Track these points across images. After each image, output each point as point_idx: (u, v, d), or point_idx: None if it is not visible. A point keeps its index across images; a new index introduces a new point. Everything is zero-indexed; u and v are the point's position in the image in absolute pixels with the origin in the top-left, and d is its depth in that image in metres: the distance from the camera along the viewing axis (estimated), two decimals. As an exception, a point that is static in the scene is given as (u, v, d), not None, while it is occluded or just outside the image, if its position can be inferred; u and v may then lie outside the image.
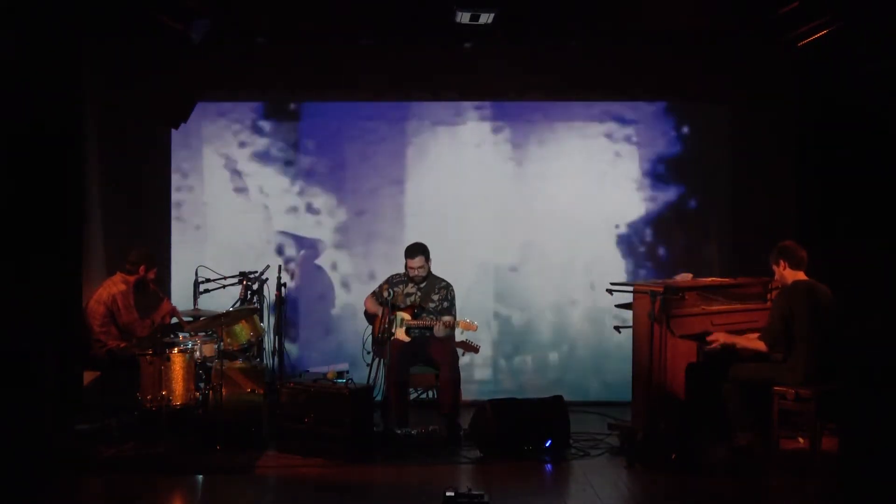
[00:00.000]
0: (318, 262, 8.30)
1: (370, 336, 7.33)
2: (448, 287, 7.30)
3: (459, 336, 7.15)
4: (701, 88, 7.89)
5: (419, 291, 7.25)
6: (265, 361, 7.53)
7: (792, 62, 7.52)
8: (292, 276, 8.24)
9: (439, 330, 7.00)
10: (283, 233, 8.29)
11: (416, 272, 7.19)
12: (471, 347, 7.18)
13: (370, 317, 7.37)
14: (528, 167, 8.24)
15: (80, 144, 7.29)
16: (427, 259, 7.22)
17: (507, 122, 8.26)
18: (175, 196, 8.19)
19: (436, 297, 7.25)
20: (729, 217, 8.15)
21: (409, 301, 7.23)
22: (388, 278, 7.35)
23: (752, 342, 6.27)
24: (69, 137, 7.10)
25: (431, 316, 7.18)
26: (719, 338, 6.36)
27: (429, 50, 7.77)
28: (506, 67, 7.76)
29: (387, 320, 6.94)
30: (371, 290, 7.47)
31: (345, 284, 8.27)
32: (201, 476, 6.04)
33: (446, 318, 7.05)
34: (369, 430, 6.50)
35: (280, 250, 8.26)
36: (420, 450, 6.48)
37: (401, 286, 7.28)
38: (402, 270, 7.37)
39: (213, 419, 6.48)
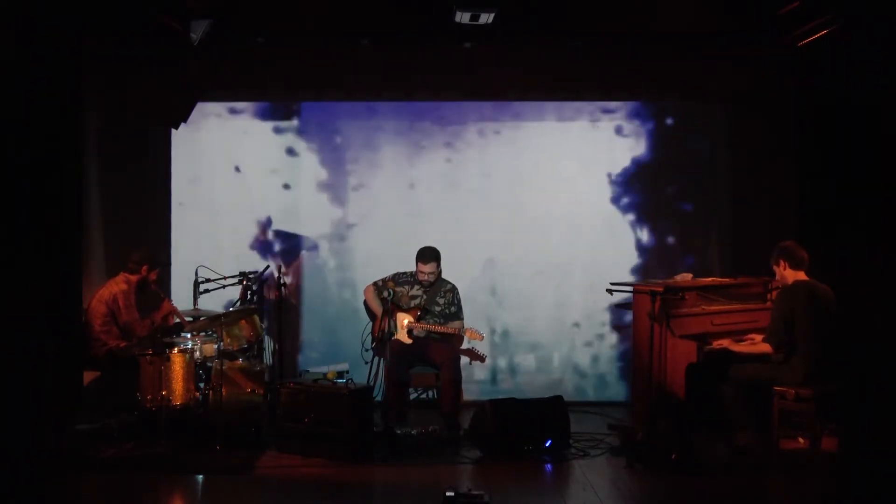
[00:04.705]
0: (318, 261, 8.30)
1: (369, 335, 7.33)
2: (454, 290, 7.30)
3: (466, 344, 7.15)
4: (701, 88, 7.89)
5: (425, 294, 7.24)
6: (265, 361, 7.52)
7: (792, 62, 7.53)
8: (292, 276, 8.23)
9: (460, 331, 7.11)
10: (284, 232, 8.28)
11: (427, 277, 7.18)
12: (477, 356, 7.20)
13: (368, 309, 7.36)
14: (528, 166, 8.23)
15: (79, 144, 7.30)
16: (439, 265, 7.21)
17: (506, 121, 8.26)
18: (175, 196, 8.18)
19: (441, 301, 7.24)
20: (729, 217, 8.15)
21: (413, 303, 7.23)
22: (394, 276, 7.33)
23: (757, 346, 6.26)
24: (69, 137, 7.11)
25: (435, 319, 7.18)
26: (723, 343, 6.37)
27: (429, 50, 7.77)
28: (506, 67, 7.77)
29: (387, 321, 6.94)
30: (373, 281, 7.43)
31: (345, 284, 8.25)
32: (201, 476, 6.04)
33: (456, 324, 7.10)
34: (369, 430, 6.49)
35: (280, 250, 8.25)
36: (420, 450, 6.48)
37: (406, 287, 7.27)
38: (405, 269, 7.36)
39: (213, 419, 6.47)
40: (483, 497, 5.00)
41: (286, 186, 8.26)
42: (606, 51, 7.74)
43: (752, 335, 6.47)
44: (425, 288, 7.25)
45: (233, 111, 8.26)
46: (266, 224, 8.28)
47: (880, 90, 6.62)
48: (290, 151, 8.26)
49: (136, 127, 7.82)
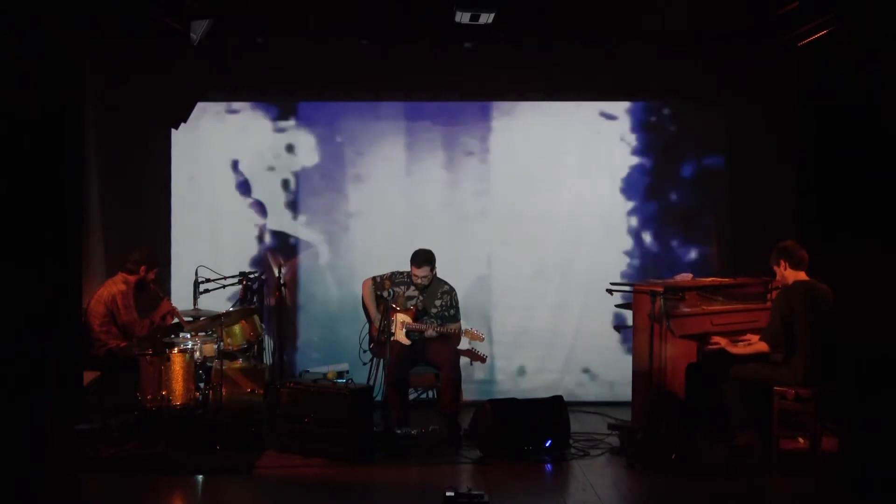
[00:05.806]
0: (318, 261, 8.29)
1: (367, 335, 7.31)
2: (451, 292, 7.27)
3: (466, 345, 7.14)
4: (700, 88, 7.90)
5: (421, 296, 7.23)
6: (265, 361, 7.52)
7: (792, 62, 7.53)
8: (292, 276, 8.22)
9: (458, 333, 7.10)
10: (283, 233, 8.28)
11: (421, 281, 7.15)
12: (477, 357, 7.17)
13: (365, 306, 7.34)
14: (527, 166, 8.22)
15: (80, 144, 7.30)
16: (432, 269, 7.16)
17: (505, 121, 8.25)
18: (175, 196, 8.17)
19: (438, 303, 7.22)
20: (729, 217, 8.15)
21: (409, 304, 7.22)
22: (391, 275, 7.29)
23: (753, 346, 6.26)
24: (69, 137, 7.11)
25: (433, 321, 7.17)
26: (721, 342, 6.37)
27: (429, 50, 7.78)
28: (505, 67, 7.77)
29: (385, 322, 6.92)
30: (371, 276, 7.39)
31: (344, 284, 8.24)
32: (201, 476, 6.04)
33: (454, 326, 7.10)
34: (369, 430, 6.49)
35: (279, 250, 8.25)
36: (420, 450, 6.47)
37: (402, 288, 7.25)
38: (405, 269, 7.36)
39: (213, 419, 6.47)
40: (483, 497, 5.00)
41: (286, 186, 8.26)
42: (605, 51, 7.75)
43: (749, 335, 6.47)
44: (421, 289, 7.23)
45: (232, 111, 8.25)
46: (265, 224, 8.27)
47: (880, 90, 6.62)
48: (290, 151, 8.25)
49: (136, 127, 7.82)
